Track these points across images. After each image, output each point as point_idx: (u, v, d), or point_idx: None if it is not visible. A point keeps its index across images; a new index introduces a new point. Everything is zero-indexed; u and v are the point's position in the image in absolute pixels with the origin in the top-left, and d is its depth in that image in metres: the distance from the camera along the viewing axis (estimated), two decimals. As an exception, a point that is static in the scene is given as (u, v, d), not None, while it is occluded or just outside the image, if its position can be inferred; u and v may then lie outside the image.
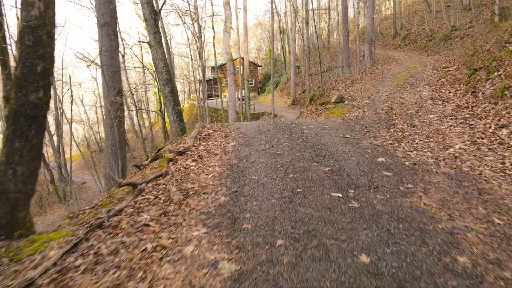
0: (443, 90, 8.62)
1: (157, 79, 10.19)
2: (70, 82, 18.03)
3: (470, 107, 6.17)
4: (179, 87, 44.02)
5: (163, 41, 21.24)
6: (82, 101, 30.20)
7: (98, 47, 7.30)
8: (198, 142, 4.65)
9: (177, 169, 3.50)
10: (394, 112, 6.55)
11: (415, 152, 4.04)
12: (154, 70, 11.63)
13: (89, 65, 8.98)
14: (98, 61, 7.75)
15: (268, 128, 5.51)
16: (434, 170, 3.44)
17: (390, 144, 4.35)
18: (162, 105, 10.32)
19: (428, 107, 6.86)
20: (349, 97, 8.40)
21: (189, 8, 20.43)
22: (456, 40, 21.18)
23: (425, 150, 4.11)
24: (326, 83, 12.79)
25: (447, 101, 7.18)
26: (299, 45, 34.10)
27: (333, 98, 7.83)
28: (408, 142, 4.44)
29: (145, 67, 11.68)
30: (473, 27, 20.20)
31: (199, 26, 20.66)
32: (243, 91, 24.89)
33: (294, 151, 4.01)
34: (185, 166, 3.59)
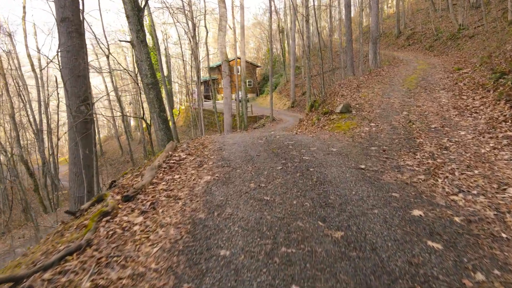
0: (465, 97, 7.43)
1: (140, 82, 9.01)
2: (57, 83, 16.78)
3: (510, 121, 4.98)
4: (176, 88, 42.71)
5: (157, 41, 19.97)
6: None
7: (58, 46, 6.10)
8: (161, 175, 3.45)
9: (110, 232, 2.29)
10: (414, 126, 5.35)
11: (461, 195, 2.85)
12: (137, 72, 10.48)
13: (43, 68, 7.71)
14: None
15: (258, 151, 4.31)
16: (503, 234, 2.25)
17: (423, 180, 3.15)
18: (143, 110, 9.14)
19: (454, 120, 5.67)
20: (357, 106, 7.19)
21: (183, 5, 19.18)
22: (465, 39, 20.00)
23: (474, 192, 2.92)
24: (328, 87, 11.59)
25: (475, 112, 5.98)
26: (299, 45, 32.90)
27: (338, 107, 6.63)
28: (447, 177, 3.24)
29: (125, 69, 10.49)
30: (483, 26, 19.02)
31: (193, 25, 19.42)
32: (240, 93, 23.68)
33: (290, 196, 2.81)
34: (124, 226, 2.39)
